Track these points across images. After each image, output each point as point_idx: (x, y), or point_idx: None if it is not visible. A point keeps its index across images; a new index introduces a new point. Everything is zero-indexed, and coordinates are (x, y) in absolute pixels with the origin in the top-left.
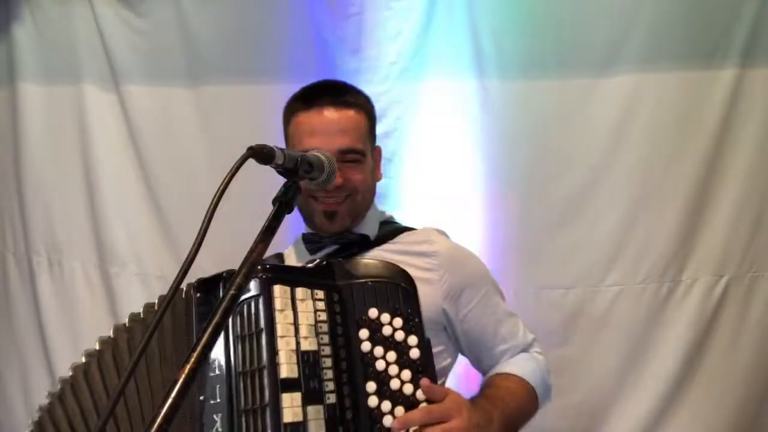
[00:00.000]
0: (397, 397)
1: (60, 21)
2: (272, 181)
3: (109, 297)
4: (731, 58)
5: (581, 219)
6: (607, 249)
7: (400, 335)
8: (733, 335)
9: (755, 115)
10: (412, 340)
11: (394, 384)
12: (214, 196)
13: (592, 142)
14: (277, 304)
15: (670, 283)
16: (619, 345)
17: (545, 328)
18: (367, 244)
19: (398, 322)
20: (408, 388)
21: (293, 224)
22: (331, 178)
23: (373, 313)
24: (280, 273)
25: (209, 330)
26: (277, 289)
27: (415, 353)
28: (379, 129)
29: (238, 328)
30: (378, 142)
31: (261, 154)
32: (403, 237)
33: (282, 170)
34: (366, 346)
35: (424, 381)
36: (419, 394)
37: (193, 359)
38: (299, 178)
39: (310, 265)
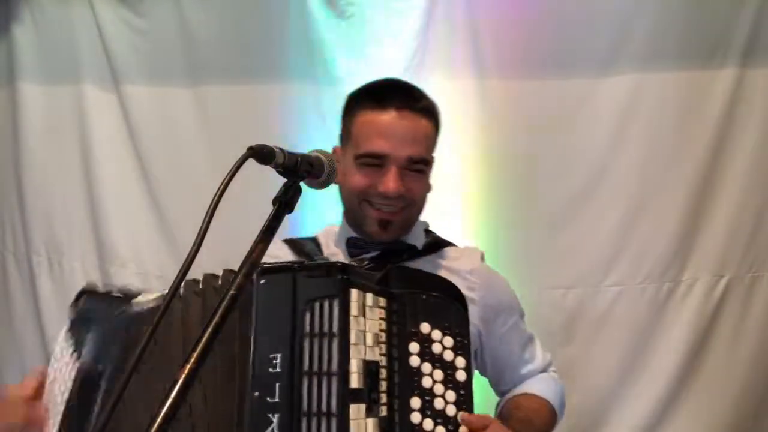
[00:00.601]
0: (439, 417)
1: (60, 21)
2: (272, 181)
3: None
4: (731, 58)
5: (581, 219)
6: (607, 249)
7: (448, 355)
8: (733, 335)
9: (755, 115)
10: (460, 361)
11: (438, 403)
12: (214, 196)
13: (592, 142)
14: (353, 309)
15: (671, 284)
16: (619, 345)
17: (545, 329)
18: (412, 253)
19: (448, 341)
20: (451, 410)
21: (296, 223)
22: (331, 178)
23: (425, 327)
24: (355, 276)
25: (209, 330)
26: (354, 293)
27: (461, 375)
28: None
29: (307, 326)
30: None
31: (261, 154)
32: (446, 251)
33: (282, 170)
34: (415, 361)
35: (463, 415)
36: (461, 417)
37: (193, 359)
38: (299, 178)
39: (369, 266)
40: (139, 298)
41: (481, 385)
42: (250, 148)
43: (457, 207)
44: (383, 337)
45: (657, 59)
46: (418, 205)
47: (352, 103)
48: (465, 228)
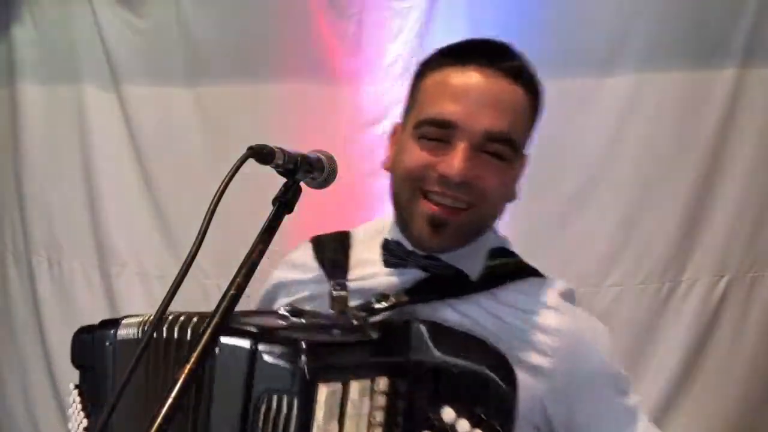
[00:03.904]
0: None
1: (60, 21)
2: (272, 181)
3: (109, 297)
4: (731, 58)
5: (581, 219)
6: (607, 249)
7: None
8: (733, 335)
9: (755, 115)
10: None
11: None
12: (214, 196)
13: (592, 142)
14: (320, 414)
15: (671, 284)
16: (619, 345)
17: None
18: (464, 285)
19: None
20: None
21: (299, 220)
22: (331, 177)
23: (448, 415)
24: (331, 357)
25: (209, 331)
26: (324, 393)
27: None
28: (380, 129)
29: (260, 424)
30: (378, 142)
31: (261, 154)
32: (517, 287)
33: (282, 170)
34: None
35: None
36: None
37: (192, 360)
38: (299, 178)
39: (382, 307)
40: (128, 320)
41: None
42: (250, 148)
43: None
44: None
45: (657, 59)
46: (489, 205)
47: (425, 64)
48: None
